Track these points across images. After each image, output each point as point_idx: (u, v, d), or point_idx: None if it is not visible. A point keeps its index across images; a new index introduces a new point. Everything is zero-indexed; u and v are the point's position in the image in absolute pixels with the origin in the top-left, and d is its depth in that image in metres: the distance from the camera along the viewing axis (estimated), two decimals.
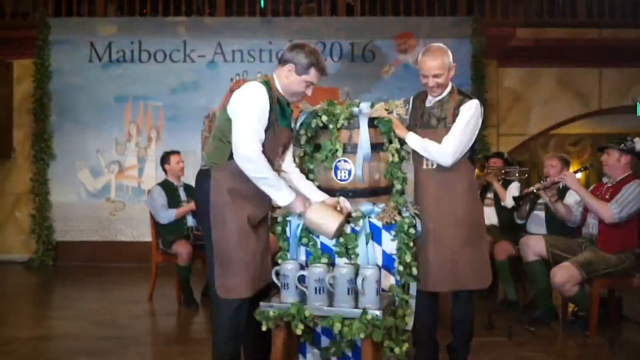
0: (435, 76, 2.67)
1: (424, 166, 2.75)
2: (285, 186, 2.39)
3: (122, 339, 3.59)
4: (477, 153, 6.04)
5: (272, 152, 2.42)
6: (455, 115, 2.68)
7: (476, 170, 4.17)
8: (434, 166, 2.72)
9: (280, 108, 2.43)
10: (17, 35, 6.77)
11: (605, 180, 3.73)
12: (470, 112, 2.66)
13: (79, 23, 6.88)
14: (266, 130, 2.35)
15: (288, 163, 2.62)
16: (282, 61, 2.44)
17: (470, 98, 2.73)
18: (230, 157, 2.36)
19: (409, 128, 2.76)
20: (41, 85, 6.69)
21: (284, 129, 2.47)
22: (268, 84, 2.40)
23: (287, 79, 2.43)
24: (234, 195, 2.37)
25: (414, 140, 2.66)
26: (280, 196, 2.36)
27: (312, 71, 2.42)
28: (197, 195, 2.49)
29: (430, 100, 2.78)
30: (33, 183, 6.69)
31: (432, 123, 2.74)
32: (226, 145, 2.37)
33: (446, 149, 2.64)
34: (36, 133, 6.69)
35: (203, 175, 2.43)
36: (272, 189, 2.35)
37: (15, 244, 6.90)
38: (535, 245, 3.76)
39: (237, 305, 2.37)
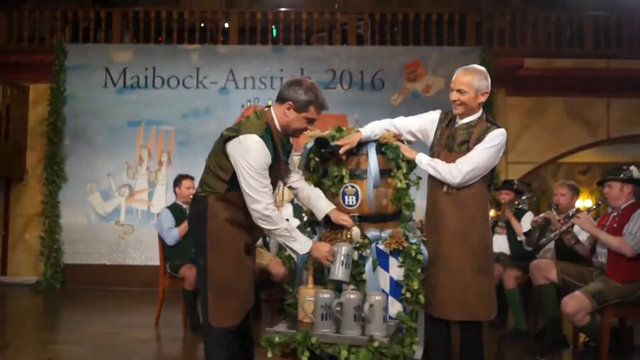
0: (459, 91, 2.60)
1: (444, 189, 2.64)
2: (301, 235, 2.41)
3: None
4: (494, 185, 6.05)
5: (274, 182, 2.46)
6: (478, 141, 2.60)
7: (492, 210, 4.15)
8: (454, 191, 2.62)
9: (281, 147, 2.44)
10: (34, 60, 6.97)
11: (609, 210, 3.71)
12: (495, 140, 2.58)
13: (95, 49, 7.07)
14: (272, 167, 2.37)
15: (294, 174, 2.64)
16: (280, 99, 2.40)
17: (498, 127, 2.64)
18: (229, 189, 2.37)
19: (433, 146, 2.73)
20: (56, 109, 6.83)
21: (285, 163, 2.53)
22: (268, 129, 2.36)
23: (286, 117, 2.39)
24: (232, 224, 2.38)
25: (422, 161, 2.63)
26: (298, 246, 2.39)
27: (312, 108, 2.38)
28: (193, 222, 2.49)
29: (458, 122, 2.68)
30: (44, 205, 6.76)
31: (454, 146, 2.65)
32: (224, 180, 2.37)
33: (457, 167, 2.57)
34: (49, 156, 6.80)
35: (199, 203, 2.43)
36: (289, 239, 2.37)
37: (23, 266, 6.94)
38: (546, 270, 3.72)
39: (227, 332, 2.38)
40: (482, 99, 2.62)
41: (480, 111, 2.67)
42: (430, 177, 2.69)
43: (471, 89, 2.58)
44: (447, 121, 2.73)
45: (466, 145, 2.61)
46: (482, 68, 2.67)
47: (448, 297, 2.61)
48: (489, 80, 2.65)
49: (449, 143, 2.67)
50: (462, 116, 2.66)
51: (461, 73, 2.63)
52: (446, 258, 2.63)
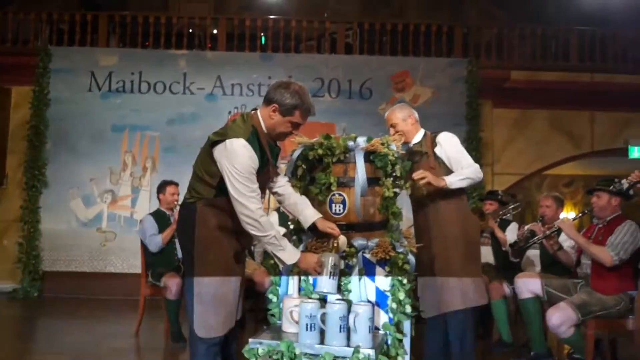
0: (392, 127, 3.11)
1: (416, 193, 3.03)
2: (289, 244, 2.35)
3: None
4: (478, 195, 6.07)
5: (263, 187, 2.39)
6: (433, 146, 3.03)
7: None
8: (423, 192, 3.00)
9: (269, 150, 2.38)
10: (17, 62, 6.85)
11: (595, 221, 3.72)
12: (449, 137, 3.01)
13: (80, 52, 6.98)
14: (261, 171, 2.31)
15: (281, 180, 2.58)
16: (267, 100, 2.35)
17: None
18: (217, 194, 2.31)
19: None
20: (38, 112, 6.71)
21: (274, 167, 2.47)
22: (255, 132, 2.30)
23: (271, 120, 2.33)
24: (221, 231, 2.32)
25: (453, 183, 2.91)
26: (286, 255, 2.31)
27: (297, 113, 2.32)
28: (182, 229, 2.43)
29: (412, 144, 3.14)
30: (23, 210, 6.61)
31: (416, 158, 3.07)
32: (212, 185, 2.31)
33: (475, 168, 2.97)
34: (30, 160, 6.67)
35: (187, 209, 2.36)
36: (277, 248, 2.29)
37: (0, 273, 6.74)
38: (530, 283, 3.71)
39: (213, 343, 2.32)
40: (411, 120, 3.12)
41: (422, 130, 3.14)
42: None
43: (399, 119, 3.11)
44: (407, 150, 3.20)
45: (425, 155, 3.03)
46: (401, 103, 3.31)
47: (432, 295, 2.98)
48: (409, 107, 3.17)
49: (410, 159, 3.05)
50: (409, 140, 3.13)
51: (388, 114, 3.16)
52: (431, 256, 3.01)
